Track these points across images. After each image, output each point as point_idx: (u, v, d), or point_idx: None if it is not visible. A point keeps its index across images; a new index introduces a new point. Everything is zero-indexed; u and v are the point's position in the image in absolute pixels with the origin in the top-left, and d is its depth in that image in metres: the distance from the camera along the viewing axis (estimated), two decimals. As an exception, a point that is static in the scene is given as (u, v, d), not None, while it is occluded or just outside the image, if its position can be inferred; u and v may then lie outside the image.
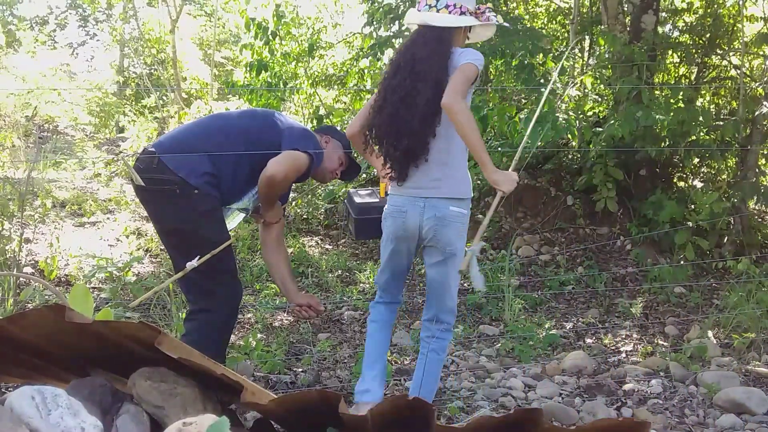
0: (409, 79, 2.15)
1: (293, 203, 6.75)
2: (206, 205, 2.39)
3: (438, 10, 2.16)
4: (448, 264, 2.28)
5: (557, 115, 4.97)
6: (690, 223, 5.50)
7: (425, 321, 2.48)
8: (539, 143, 4.83)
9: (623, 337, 4.24)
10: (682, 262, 5.34)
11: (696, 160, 6.34)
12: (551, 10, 8.67)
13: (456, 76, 2.07)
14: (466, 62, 2.10)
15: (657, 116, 5.05)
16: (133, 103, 11.11)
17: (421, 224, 2.24)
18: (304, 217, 6.69)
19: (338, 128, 3.01)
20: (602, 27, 6.31)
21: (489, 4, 2.35)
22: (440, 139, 2.19)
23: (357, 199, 2.83)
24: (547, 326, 4.32)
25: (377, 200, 2.76)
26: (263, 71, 6.75)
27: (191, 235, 2.39)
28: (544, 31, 7.92)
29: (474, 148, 2.10)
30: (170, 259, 2.62)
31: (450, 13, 2.15)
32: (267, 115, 2.63)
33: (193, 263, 2.30)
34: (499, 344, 3.95)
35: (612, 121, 5.30)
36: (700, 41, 6.50)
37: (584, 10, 7.65)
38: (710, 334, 4.05)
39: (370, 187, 2.86)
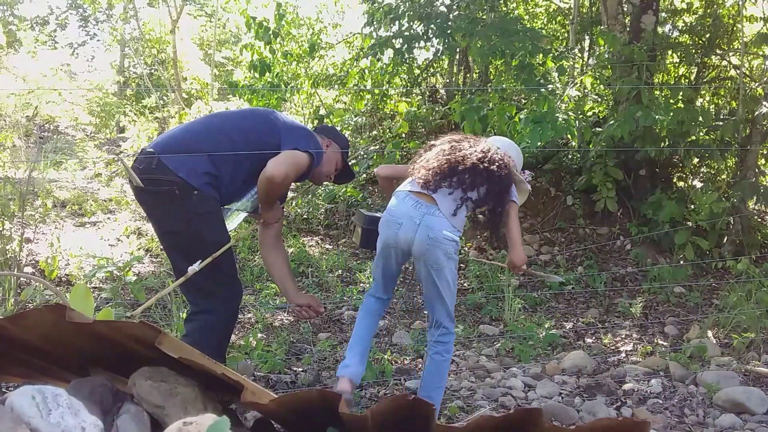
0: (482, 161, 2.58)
1: (293, 203, 6.75)
2: (206, 207, 2.38)
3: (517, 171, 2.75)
4: (434, 279, 2.50)
5: (557, 115, 4.97)
6: (690, 223, 5.50)
7: (429, 327, 2.67)
8: (539, 143, 4.83)
9: (623, 336, 4.25)
10: (681, 262, 5.34)
11: (696, 160, 6.34)
12: (551, 10, 8.67)
13: (512, 216, 2.66)
14: (513, 200, 2.66)
15: (657, 116, 5.05)
16: (134, 103, 11.12)
17: (413, 240, 2.47)
18: (304, 217, 6.69)
19: (338, 129, 2.99)
20: (602, 27, 6.32)
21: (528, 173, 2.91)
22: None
23: (366, 212, 3.02)
24: (547, 326, 4.32)
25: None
26: (266, 71, 6.75)
27: (191, 237, 2.38)
28: (543, 31, 7.92)
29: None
30: (169, 260, 2.61)
31: (523, 176, 2.79)
32: (266, 115, 2.61)
33: (195, 267, 2.29)
34: (499, 344, 3.95)
35: (612, 121, 5.30)
36: (700, 41, 6.51)
37: (584, 10, 7.66)
38: (710, 333, 4.05)
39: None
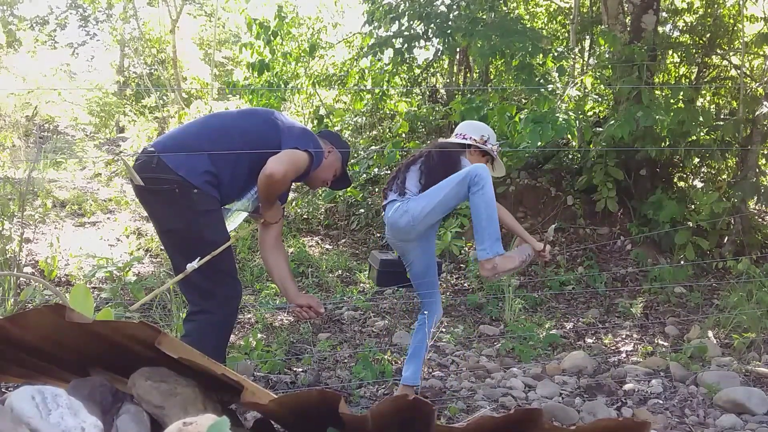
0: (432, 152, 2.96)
1: (293, 203, 6.75)
2: (206, 205, 2.37)
3: (455, 136, 3.04)
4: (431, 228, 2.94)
5: (557, 115, 4.96)
6: (690, 223, 5.50)
7: None
8: (539, 143, 4.83)
9: (623, 337, 4.24)
10: (682, 262, 5.34)
11: (696, 160, 6.34)
12: (551, 10, 8.67)
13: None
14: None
15: (657, 116, 5.04)
16: (134, 103, 11.13)
17: (390, 234, 2.96)
18: (304, 217, 6.69)
19: (341, 136, 2.98)
20: (602, 27, 6.32)
21: (493, 143, 3.08)
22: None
23: (380, 256, 3.21)
24: (547, 326, 4.32)
25: (396, 257, 3.16)
26: (265, 71, 6.75)
27: (190, 236, 2.38)
28: (544, 31, 7.92)
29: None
30: (169, 260, 2.61)
31: (456, 137, 3.02)
32: (267, 115, 2.60)
33: (194, 265, 2.28)
34: (500, 344, 3.95)
35: (612, 121, 5.30)
36: (701, 41, 6.51)
37: (584, 10, 7.65)
38: (710, 334, 4.05)
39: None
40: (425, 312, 2.94)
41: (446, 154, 2.87)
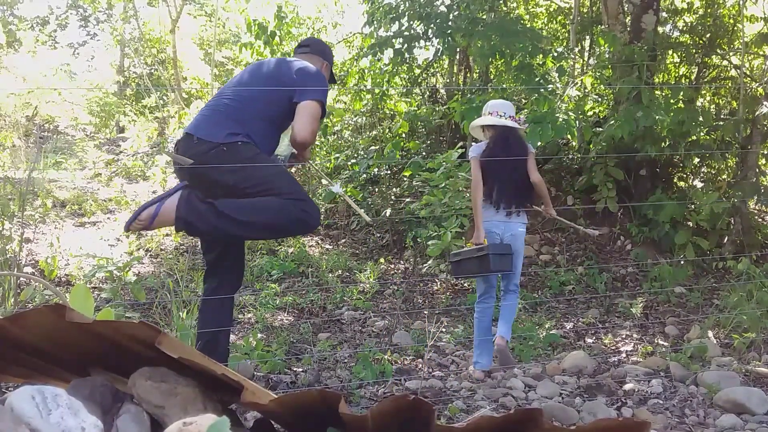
0: (511, 152, 3.51)
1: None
2: (252, 152, 2.53)
3: (505, 119, 3.58)
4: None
5: (557, 115, 4.97)
6: (690, 223, 5.49)
7: (503, 290, 3.67)
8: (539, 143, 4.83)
9: (623, 337, 4.24)
10: (682, 262, 5.34)
11: (696, 160, 6.34)
12: (551, 10, 8.67)
13: (531, 162, 3.54)
14: (531, 151, 3.62)
15: (657, 116, 5.05)
16: (134, 103, 11.12)
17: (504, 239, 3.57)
18: (305, 217, 6.68)
19: (322, 41, 3.16)
20: (602, 27, 6.32)
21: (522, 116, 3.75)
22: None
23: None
24: (547, 326, 4.32)
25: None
26: (264, 71, 6.75)
27: (250, 177, 2.49)
28: (544, 31, 7.92)
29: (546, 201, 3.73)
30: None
31: (511, 120, 3.59)
32: (277, 70, 2.75)
33: (337, 187, 2.83)
34: (500, 344, 3.94)
35: (612, 122, 5.30)
36: (701, 41, 6.51)
37: (584, 10, 7.65)
38: (710, 334, 4.05)
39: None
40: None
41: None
